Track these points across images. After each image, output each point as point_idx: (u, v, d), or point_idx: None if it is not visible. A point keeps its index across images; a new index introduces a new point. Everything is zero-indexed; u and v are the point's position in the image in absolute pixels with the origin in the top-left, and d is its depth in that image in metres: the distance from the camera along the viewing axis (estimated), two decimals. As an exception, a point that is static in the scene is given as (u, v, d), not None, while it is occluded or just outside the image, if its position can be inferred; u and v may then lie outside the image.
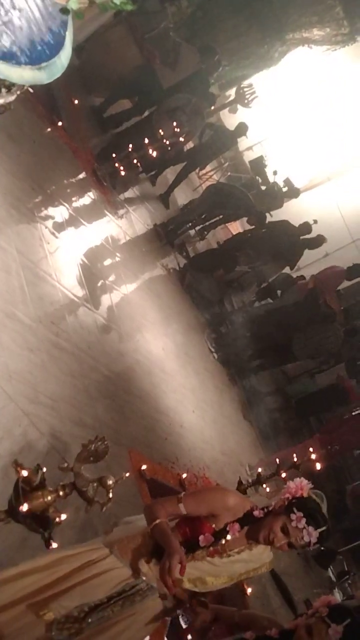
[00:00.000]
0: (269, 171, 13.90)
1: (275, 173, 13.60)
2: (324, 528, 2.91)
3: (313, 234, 11.75)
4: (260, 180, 13.33)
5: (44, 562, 2.75)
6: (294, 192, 13.19)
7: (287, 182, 13.37)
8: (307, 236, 11.48)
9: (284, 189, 13.14)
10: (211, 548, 2.86)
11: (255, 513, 2.94)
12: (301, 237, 11.55)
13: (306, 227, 11.38)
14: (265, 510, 2.95)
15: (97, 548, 2.86)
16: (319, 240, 11.64)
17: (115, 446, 4.86)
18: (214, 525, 2.93)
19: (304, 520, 2.85)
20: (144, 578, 2.82)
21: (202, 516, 2.95)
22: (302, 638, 2.77)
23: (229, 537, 2.86)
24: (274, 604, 6.29)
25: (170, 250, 10.20)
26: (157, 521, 2.81)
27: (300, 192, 13.23)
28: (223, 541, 2.87)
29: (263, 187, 13.32)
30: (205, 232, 11.62)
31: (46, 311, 5.12)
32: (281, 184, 13.29)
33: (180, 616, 4.07)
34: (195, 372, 8.35)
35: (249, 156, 16.75)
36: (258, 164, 13.95)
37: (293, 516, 2.87)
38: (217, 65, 11.18)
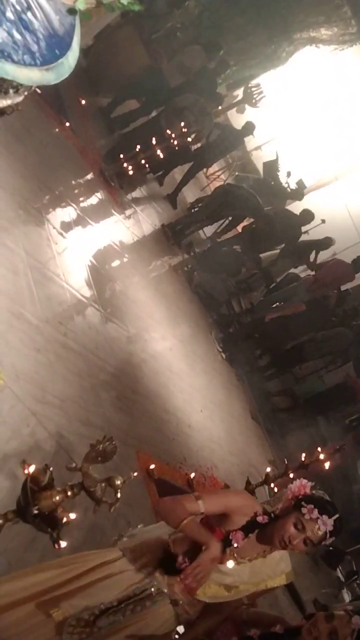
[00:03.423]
0: (281, 174, 13.86)
1: (289, 175, 13.59)
2: (337, 515, 2.90)
3: (321, 235, 11.78)
4: (272, 183, 13.29)
5: (55, 562, 2.76)
6: (298, 195, 13.15)
7: (300, 183, 13.37)
8: (312, 233, 11.51)
9: (291, 188, 13.15)
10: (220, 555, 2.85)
11: (259, 519, 2.92)
12: (307, 234, 11.60)
13: (308, 216, 11.41)
14: (272, 515, 2.94)
15: (110, 550, 2.86)
16: (327, 242, 11.66)
17: (123, 446, 4.86)
18: (224, 531, 2.91)
19: (316, 511, 2.85)
20: (155, 582, 2.82)
21: (215, 521, 2.94)
22: (319, 623, 2.77)
23: (235, 545, 2.84)
24: (282, 603, 6.28)
25: (178, 251, 10.20)
26: (186, 520, 2.79)
27: (303, 195, 13.16)
28: (228, 550, 2.85)
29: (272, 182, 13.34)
30: (218, 237, 11.64)
31: (54, 311, 5.12)
32: (294, 186, 13.31)
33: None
34: (203, 371, 8.34)
35: (257, 156, 16.73)
36: (271, 167, 13.89)
37: (304, 510, 2.86)
38: (225, 66, 11.19)
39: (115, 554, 2.83)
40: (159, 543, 2.87)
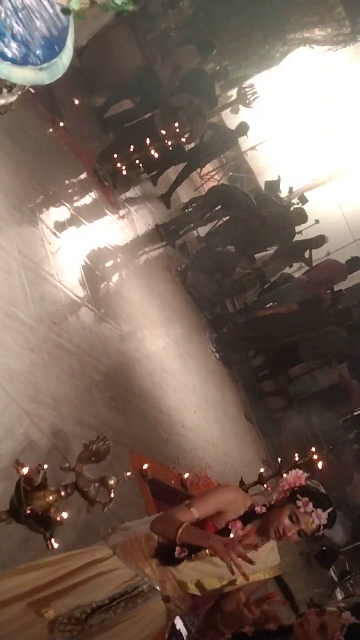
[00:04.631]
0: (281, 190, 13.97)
1: (290, 190, 13.67)
2: (330, 509, 2.93)
3: (314, 234, 11.81)
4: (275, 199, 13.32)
5: (46, 561, 2.76)
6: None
7: (302, 198, 13.45)
8: (305, 233, 11.55)
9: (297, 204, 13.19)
10: None
11: (257, 509, 2.96)
12: (301, 235, 11.63)
13: (302, 216, 11.45)
14: (267, 505, 2.98)
15: (100, 549, 2.86)
16: (320, 241, 11.69)
17: (117, 446, 4.86)
18: (217, 525, 2.93)
19: (310, 504, 2.89)
20: (147, 579, 2.82)
21: (206, 517, 2.96)
22: (309, 618, 2.80)
23: (231, 535, 2.87)
24: (276, 603, 6.28)
25: (171, 251, 10.20)
26: (184, 525, 2.79)
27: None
28: None
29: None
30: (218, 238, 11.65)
31: (48, 311, 5.12)
32: (295, 200, 13.40)
33: (182, 620, 4.09)
34: (197, 371, 8.35)
35: (251, 156, 16.75)
36: (273, 187, 13.92)
37: (299, 502, 2.90)
38: (225, 74, 11.26)
39: (105, 552, 2.84)
40: (149, 537, 2.88)
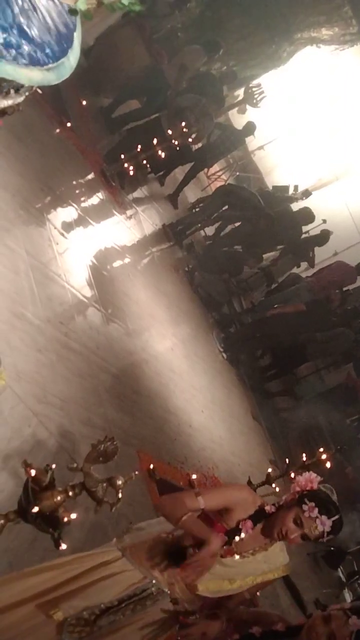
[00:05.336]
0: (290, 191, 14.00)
1: (296, 188, 13.67)
2: (337, 517, 2.92)
3: (319, 230, 11.81)
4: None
5: (55, 563, 2.76)
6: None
7: (306, 193, 13.45)
8: (313, 233, 11.54)
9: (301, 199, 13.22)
10: (225, 547, 2.86)
11: (267, 509, 2.95)
12: (308, 235, 11.63)
13: (309, 216, 11.43)
14: (277, 505, 2.97)
15: (109, 551, 2.86)
16: (326, 236, 11.65)
17: (125, 446, 4.86)
18: (225, 525, 2.93)
19: (316, 510, 2.87)
20: (155, 582, 2.82)
21: (214, 516, 2.95)
22: (317, 626, 2.78)
23: (242, 535, 2.86)
24: (284, 603, 6.28)
25: (179, 251, 10.20)
26: (185, 517, 2.78)
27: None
28: (237, 539, 2.87)
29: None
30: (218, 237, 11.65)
31: (55, 312, 5.12)
32: (299, 195, 13.42)
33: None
34: (204, 371, 8.34)
35: (259, 156, 16.73)
36: (281, 191, 13.91)
37: (305, 507, 2.88)
38: (233, 77, 11.26)
39: (114, 554, 2.84)
40: (159, 539, 2.88)
